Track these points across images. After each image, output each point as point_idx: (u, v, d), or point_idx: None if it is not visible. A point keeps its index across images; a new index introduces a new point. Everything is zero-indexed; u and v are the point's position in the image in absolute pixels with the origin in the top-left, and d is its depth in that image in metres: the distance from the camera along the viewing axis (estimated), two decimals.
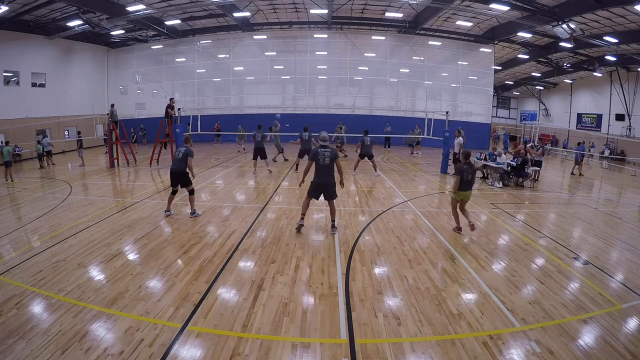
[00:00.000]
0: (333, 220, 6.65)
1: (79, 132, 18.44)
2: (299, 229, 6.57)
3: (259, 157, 12.48)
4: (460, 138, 13.03)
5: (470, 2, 16.56)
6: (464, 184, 6.73)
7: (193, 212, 7.57)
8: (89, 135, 19.38)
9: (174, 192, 7.70)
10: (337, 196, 6.64)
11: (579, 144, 16.49)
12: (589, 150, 23.68)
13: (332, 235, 6.49)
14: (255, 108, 24.23)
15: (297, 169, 12.78)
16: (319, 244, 6.10)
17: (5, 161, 12.26)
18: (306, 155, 11.82)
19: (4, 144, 12.79)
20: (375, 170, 12.64)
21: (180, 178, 7.45)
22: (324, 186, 6.39)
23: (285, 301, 4.23)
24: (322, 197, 6.62)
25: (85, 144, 16.62)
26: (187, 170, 7.43)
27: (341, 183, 6.65)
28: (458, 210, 6.95)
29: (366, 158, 12.49)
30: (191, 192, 7.59)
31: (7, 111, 17.16)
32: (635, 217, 8.85)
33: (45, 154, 15.30)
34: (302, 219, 6.60)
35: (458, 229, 6.95)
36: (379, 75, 24.13)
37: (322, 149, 6.29)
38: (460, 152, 12.51)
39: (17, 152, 17.00)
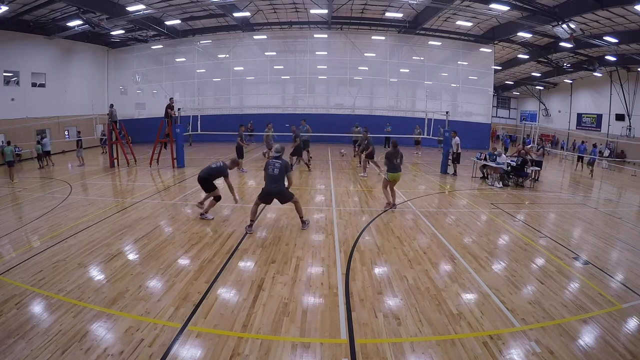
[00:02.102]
0: (301, 217, 6.86)
1: (78, 132, 18.45)
2: (248, 230, 6.56)
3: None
4: (457, 138, 13.11)
5: (470, 2, 16.55)
6: (394, 167, 8.05)
7: (204, 214, 7.42)
8: (89, 135, 19.42)
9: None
10: (291, 198, 6.64)
11: (594, 145, 16.72)
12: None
13: (303, 230, 6.70)
14: (255, 108, 24.22)
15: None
16: (319, 244, 6.10)
17: (8, 161, 12.33)
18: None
19: (5, 144, 12.86)
20: (364, 172, 12.62)
21: (205, 184, 7.40)
22: (271, 193, 6.50)
23: (285, 301, 4.23)
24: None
25: (85, 144, 16.62)
26: (220, 180, 7.41)
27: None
28: (388, 189, 8.36)
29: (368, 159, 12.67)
30: (216, 199, 7.49)
31: (7, 111, 17.16)
32: (635, 217, 8.85)
33: (44, 154, 15.30)
34: (251, 225, 6.63)
35: (391, 205, 8.25)
36: (379, 75, 24.11)
37: (273, 160, 6.52)
38: (455, 151, 12.90)
39: (17, 152, 17.00)
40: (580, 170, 16.80)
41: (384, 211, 8.09)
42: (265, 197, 6.62)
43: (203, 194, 7.80)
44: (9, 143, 12.84)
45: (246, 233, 6.51)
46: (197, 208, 7.62)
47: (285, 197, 6.65)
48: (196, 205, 7.75)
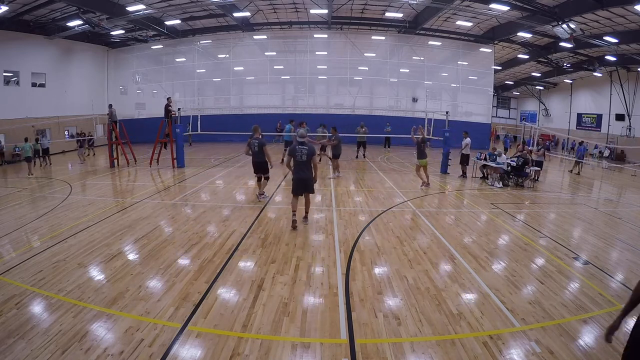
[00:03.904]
0: (306, 212, 7.08)
1: (76, 134, 18.52)
2: (294, 225, 6.71)
3: None
4: (468, 139, 12.89)
5: (470, 2, 16.56)
6: (422, 154, 10.47)
7: (262, 194, 8.82)
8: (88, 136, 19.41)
9: (259, 179, 8.82)
10: (314, 191, 6.96)
11: (580, 143, 16.71)
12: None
13: (304, 225, 6.91)
14: (255, 108, 24.24)
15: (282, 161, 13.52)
16: (319, 244, 6.10)
17: (27, 156, 13.18)
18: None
19: (23, 140, 13.82)
20: (334, 172, 12.25)
21: (261, 166, 8.51)
22: (302, 180, 6.66)
23: (285, 301, 4.23)
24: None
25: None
26: (266, 159, 8.34)
27: (314, 179, 6.78)
28: (421, 172, 10.68)
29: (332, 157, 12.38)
30: (267, 179, 8.73)
31: (7, 111, 17.16)
32: (635, 217, 8.85)
33: (43, 152, 15.32)
34: (294, 214, 6.80)
35: (426, 185, 10.66)
36: (379, 75, 24.13)
37: (299, 146, 6.58)
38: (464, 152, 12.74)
39: (17, 152, 17.09)
40: (577, 171, 16.77)
41: (424, 186, 10.54)
42: (298, 189, 6.70)
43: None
44: (26, 140, 13.40)
45: (294, 223, 6.70)
46: (259, 196, 8.86)
47: (311, 187, 6.76)
48: (257, 195, 8.92)
